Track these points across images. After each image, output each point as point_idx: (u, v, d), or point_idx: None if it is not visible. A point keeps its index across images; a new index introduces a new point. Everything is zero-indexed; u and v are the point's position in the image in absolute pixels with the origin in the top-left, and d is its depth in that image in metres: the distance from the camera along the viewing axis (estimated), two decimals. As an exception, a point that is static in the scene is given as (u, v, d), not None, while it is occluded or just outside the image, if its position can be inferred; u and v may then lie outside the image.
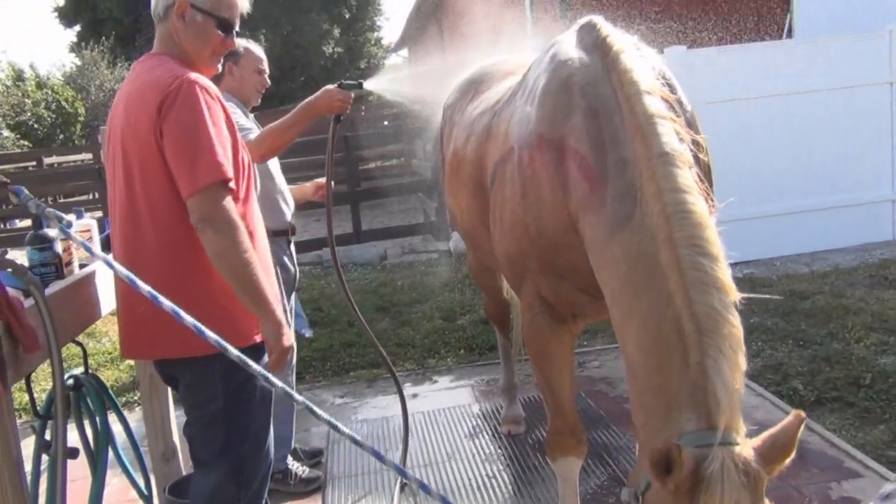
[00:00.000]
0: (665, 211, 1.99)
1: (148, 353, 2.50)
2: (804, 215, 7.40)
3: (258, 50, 3.71)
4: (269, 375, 2.12)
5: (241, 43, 3.63)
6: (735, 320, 1.90)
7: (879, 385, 4.26)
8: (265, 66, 3.72)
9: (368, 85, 3.64)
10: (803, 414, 1.80)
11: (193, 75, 2.26)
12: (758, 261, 7.17)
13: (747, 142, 7.10)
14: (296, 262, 3.84)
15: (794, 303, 5.88)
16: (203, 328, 2.02)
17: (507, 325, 4.46)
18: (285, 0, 31.30)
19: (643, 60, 2.42)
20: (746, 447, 1.77)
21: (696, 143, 2.29)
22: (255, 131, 3.45)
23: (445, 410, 4.66)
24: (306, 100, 3.40)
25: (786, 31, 9.42)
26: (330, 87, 3.38)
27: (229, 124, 2.30)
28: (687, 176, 2.05)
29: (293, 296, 3.88)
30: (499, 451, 4.09)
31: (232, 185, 2.21)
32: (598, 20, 2.58)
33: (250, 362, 2.06)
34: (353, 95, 3.38)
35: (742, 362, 1.88)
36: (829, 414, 4.09)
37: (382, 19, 49.24)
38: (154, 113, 2.19)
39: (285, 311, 3.64)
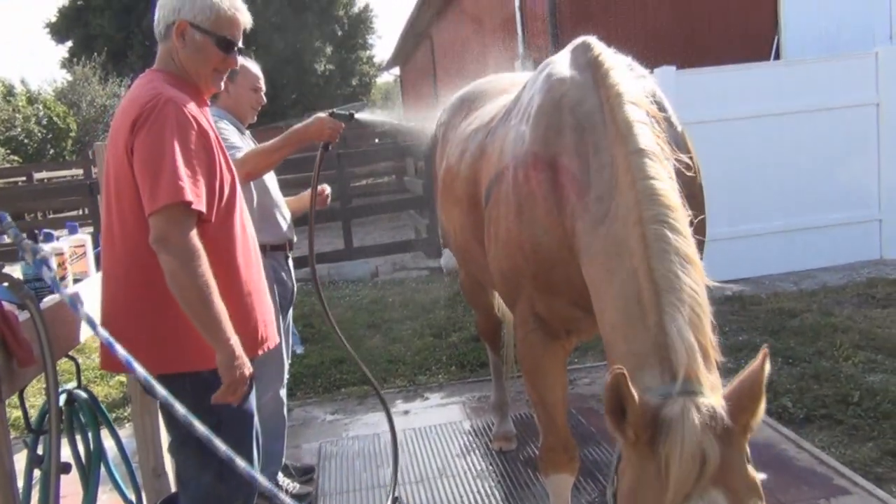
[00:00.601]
0: (637, 197, 2.06)
1: (121, 367, 2.48)
2: (792, 234, 7.47)
3: (255, 67, 3.72)
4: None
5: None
6: (696, 285, 1.92)
7: (868, 403, 4.29)
8: (261, 83, 3.74)
9: (360, 117, 3.68)
10: (766, 348, 1.75)
11: (172, 93, 2.25)
12: (746, 279, 7.22)
13: (736, 161, 7.17)
14: (293, 277, 3.83)
15: (783, 320, 5.92)
16: (115, 343, 1.96)
17: (499, 343, 4.48)
18: (278, 18, 31.49)
19: (633, 77, 2.47)
20: (714, 398, 1.74)
21: (685, 162, 2.33)
22: (243, 150, 3.44)
23: (436, 427, 4.66)
24: (297, 125, 3.43)
25: (773, 51, 9.54)
26: (321, 114, 3.42)
27: (207, 146, 2.28)
28: (660, 168, 2.12)
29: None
30: (490, 467, 4.09)
31: (196, 207, 2.17)
32: (592, 40, 2.63)
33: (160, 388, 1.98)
34: (343, 125, 3.44)
35: (705, 319, 1.88)
36: (818, 431, 4.11)
37: (375, 38, 49.52)
38: (128, 129, 2.20)
39: (283, 327, 3.65)
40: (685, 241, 1.99)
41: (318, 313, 7.59)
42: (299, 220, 3.94)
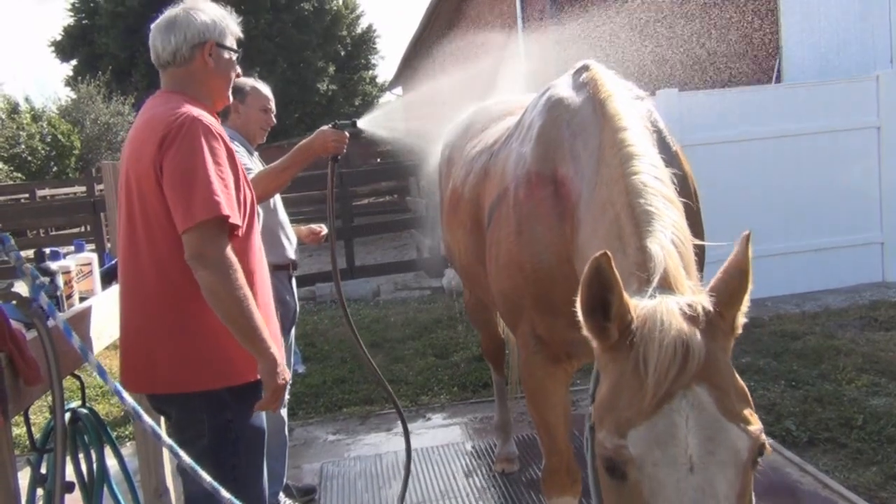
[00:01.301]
0: (620, 160, 2.08)
1: (138, 387, 2.50)
2: (795, 256, 7.47)
3: (265, 88, 3.73)
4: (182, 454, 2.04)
5: (247, 81, 3.66)
6: (679, 220, 1.89)
7: (871, 426, 4.28)
8: (272, 104, 3.74)
9: (362, 123, 3.67)
10: (748, 232, 1.66)
11: (197, 112, 2.29)
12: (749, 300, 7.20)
13: (738, 183, 7.19)
14: (296, 297, 3.83)
15: (786, 343, 5.91)
16: (106, 373, 2.00)
17: (503, 363, 4.47)
18: (282, 38, 31.72)
19: (630, 97, 2.49)
20: (696, 296, 1.66)
21: (679, 176, 2.34)
22: (253, 172, 3.45)
23: (439, 448, 4.64)
24: (302, 141, 3.41)
25: (775, 74, 9.59)
26: (325, 127, 3.40)
27: (232, 161, 2.33)
28: (644, 140, 2.15)
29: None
30: (493, 489, 4.07)
31: (234, 221, 2.22)
32: (593, 63, 2.67)
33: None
34: (347, 134, 3.41)
35: (688, 244, 1.84)
36: (821, 455, 4.09)
37: (377, 58, 49.77)
38: (156, 148, 2.22)
39: (285, 347, 3.65)
40: (667, 188, 1.99)
41: (321, 332, 7.60)
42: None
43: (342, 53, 36.29)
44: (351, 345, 6.79)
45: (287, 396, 3.78)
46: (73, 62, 33.82)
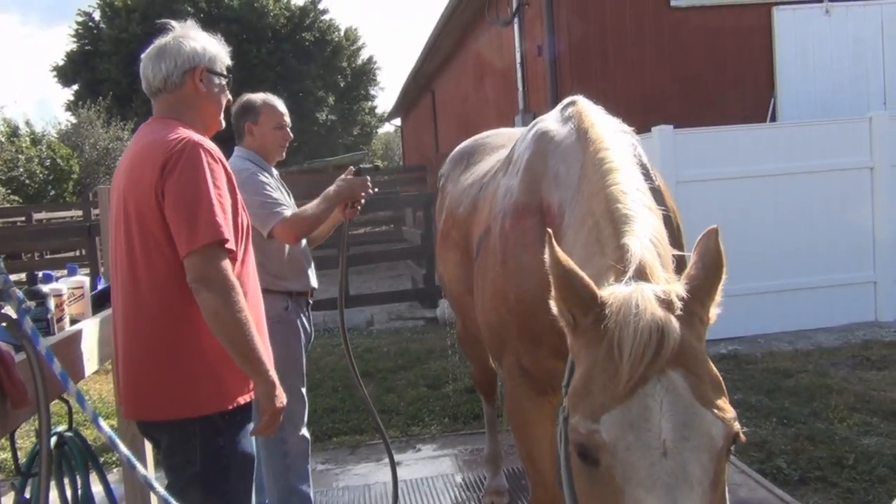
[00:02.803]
0: (601, 174, 2.10)
1: (133, 413, 2.49)
2: (788, 294, 7.49)
3: (278, 104, 3.68)
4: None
5: (259, 97, 3.66)
6: (658, 223, 1.91)
7: (862, 466, 4.26)
8: (286, 119, 3.70)
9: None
10: (715, 226, 1.70)
11: (197, 138, 2.33)
12: (742, 338, 7.22)
13: (733, 220, 7.21)
14: (311, 323, 3.84)
15: (778, 380, 5.90)
16: (85, 399, 2.02)
17: (494, 394, 4.46)
18: (282, 67, 31.98)
19: (616, 130, 2.52)
20: (671, 285, 1.66)
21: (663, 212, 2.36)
22: (286, 208, 3.47)
23: (428, 479, 4.61)
24: (330, 190, 3.50)
25: (770, 113, 9.69)
26: (348, 177, 3.51)
27: (230, 185, 2.36)
28: (624, 158, 2.19)
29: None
30: (481, 523, 4.04)
31: (230, 246, 2.25)
32: (580, 98, 2.72)
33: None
34: (369, 178, 3.53)
35: (667, 245, 1.87)
36: (812, 493, 4.07)
37: (377, 89, 50.24)
38: (157, 173, 2.24)
39: (303, 369, 3.66)
40: (647, 197, 2.01)
41: (312, 360, 7.54)
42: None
43: (342, 84, 36.55)
44: (343, 374, 6.76)
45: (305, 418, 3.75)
46: (75, 87, 34.03)
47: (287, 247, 3.57)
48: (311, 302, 3.80)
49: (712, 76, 9.66)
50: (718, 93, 9.60)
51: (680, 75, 9.62)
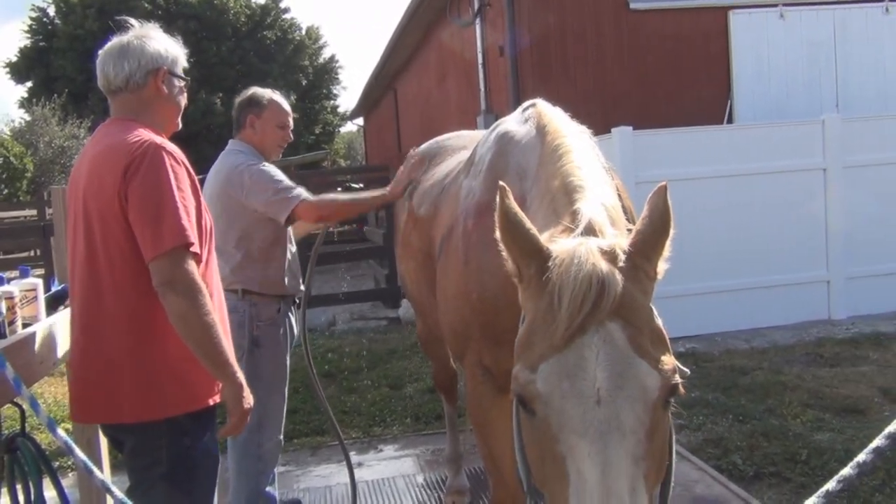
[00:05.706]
0: (556, 157, 2.15)
1: (98, 417, 2.46)
2: (744, 293, 7.63)
3: (284, 103, 3.62)
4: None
5: (266, 93, 3.60)
6: (611, 192, 1.97)
7: (815, 461, 4.36)
8: (290, 120, 3.64)
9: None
10: (664, 182, 1.71)
11: (159, 140, 2.31)
12: (699, 336, 7.33)
13: (691, 220, 7.31)
14: (294, 324, 3.82)
15: (735, 378, 6.01)
16: (38, 404, 2.02)
17: (455, 394, 4.47)
18: (243, 65, 31.64)
19: (575, 130, 2.55)
20: (618, 240, 1.68)
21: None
22: (300, 191, 3.40)
23: (390, 480, 4.61)
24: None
25: (726, 115, 9.86)
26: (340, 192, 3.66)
27: (193, 187, 2.34)
28: (581, 144, 2.24)
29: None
30: (442, 522, 4.05)
31: (196, 249, 2.24)
32: (539, 101, 2.75)
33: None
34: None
35: (617, 209, 1.91)
36: (767, 489, 4.16)
37: (339, 88, 49.92)
38: (119, 176, 2.22)
39: (287, 371, 3.70)
40: (601, 172, 2.07)
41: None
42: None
43: (304, 83, 36.27)
44: (304, 374, 6.70)
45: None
46: (29, 84, 33.27)
47: (289, 252, 3.57)
48: (297, 302, 3.79)
49: (670, 78, 9.79)
50: (676, 94, 9.74)
51: (639, 76, 9.74)
